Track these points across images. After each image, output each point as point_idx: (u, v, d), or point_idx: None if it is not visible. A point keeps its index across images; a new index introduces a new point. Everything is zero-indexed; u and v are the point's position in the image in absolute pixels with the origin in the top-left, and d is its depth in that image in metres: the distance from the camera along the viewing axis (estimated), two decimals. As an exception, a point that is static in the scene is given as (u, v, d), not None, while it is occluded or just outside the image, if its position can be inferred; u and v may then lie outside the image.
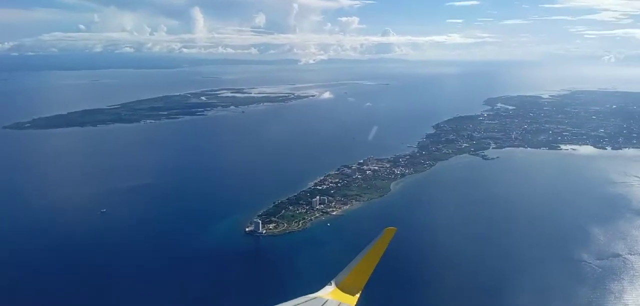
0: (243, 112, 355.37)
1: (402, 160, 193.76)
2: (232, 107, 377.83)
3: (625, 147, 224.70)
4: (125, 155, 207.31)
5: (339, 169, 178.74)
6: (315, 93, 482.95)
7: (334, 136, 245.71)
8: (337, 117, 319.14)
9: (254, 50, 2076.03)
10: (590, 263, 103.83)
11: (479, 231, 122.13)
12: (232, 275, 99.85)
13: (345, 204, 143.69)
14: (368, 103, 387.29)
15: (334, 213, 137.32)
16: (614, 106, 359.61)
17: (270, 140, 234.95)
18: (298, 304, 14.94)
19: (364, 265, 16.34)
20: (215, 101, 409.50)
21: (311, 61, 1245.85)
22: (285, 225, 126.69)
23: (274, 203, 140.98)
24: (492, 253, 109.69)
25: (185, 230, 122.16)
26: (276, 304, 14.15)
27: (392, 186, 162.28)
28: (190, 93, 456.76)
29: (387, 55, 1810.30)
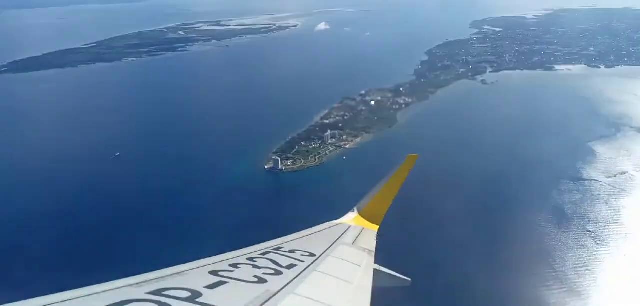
0: (227, 46, 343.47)
1: (403, 89, 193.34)
2: (213, 41, 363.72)
3: (618, 65, 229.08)
4: (121, 96, 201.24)
5: (341, 101, 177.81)
6: (298, 23, 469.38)
7: (331, 67, 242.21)
8: (334, 49, 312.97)
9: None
10: (600, 181, 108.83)
11: (492, 154, 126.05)
12: (259, 211, 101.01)
13: (356, 137, 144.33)
14: (367, 33, 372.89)
15: (347, 146, 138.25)
16: (599, 24, 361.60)
17: (266, 75, 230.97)
18: (322, 229, 15.22)
19: (385, 192, 16.50)
20: (194, 35, 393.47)
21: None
22: (302, 161, 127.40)
23: (285, 139, 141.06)
24: (510, 174, 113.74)
25: (205, 169, 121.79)
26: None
27: (398, 116, 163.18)
28: (166, 28, 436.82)
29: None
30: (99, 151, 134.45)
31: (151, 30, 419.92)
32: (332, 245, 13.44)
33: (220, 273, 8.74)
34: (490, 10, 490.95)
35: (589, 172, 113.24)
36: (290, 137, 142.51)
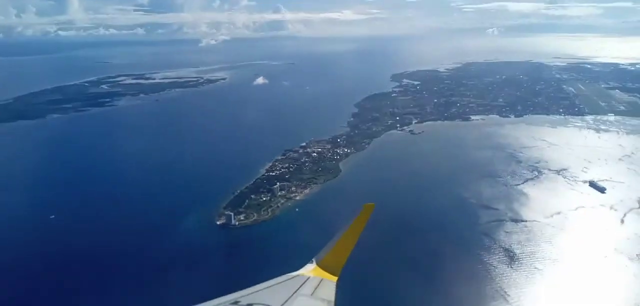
0: (157, 100, 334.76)
1: (340, 141, 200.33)
2: (141, 95, 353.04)
3: (525, 114, 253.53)
4: (51, 155, 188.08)
5: (284, 154, 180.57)
6: (226, 76, 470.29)
7: (269, 120, 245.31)
8: (272, 102, 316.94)
9: (140, 31, 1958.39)
10: (539, 221, 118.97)
11: (434, 199, 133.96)
12: (214, 270, 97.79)
13: (305, 188, 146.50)
14: (307, 87, 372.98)
15: (297, 198, 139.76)
16: (504, 76, 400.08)
17: (205, 128, 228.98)
18: (281, 281, 15.31)
19: (344, 242, 16.58)
20: (119, 89, 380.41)
21: (212, 41, 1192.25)
22: (255, 215, 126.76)
23: (234, 193, 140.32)
24: (455, 218, 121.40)
25: (153, 230, 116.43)
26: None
27: (341, 166, 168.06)
28: (87, 82, 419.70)
29: (281, 32, 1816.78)
30: (31, 215, 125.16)
31: (71, 85, 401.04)
32: (290, 297, 13.65)
33: None
34: (406, 64, 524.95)
35: (527, 213, 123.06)
36: (238, 191, 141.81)
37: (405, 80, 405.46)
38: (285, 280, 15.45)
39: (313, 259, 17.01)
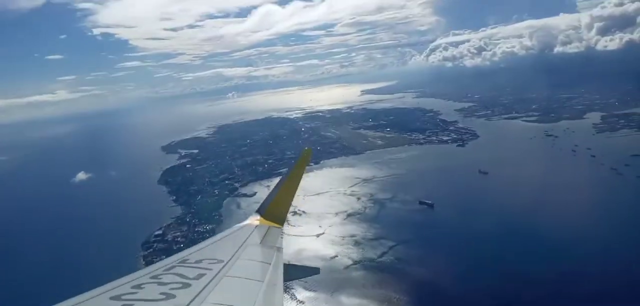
0: None
1: (193, 221, 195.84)
2: None
3: (321, 161, 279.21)
4: None
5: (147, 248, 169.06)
6: None
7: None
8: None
9: None
10: (411, 241, 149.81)
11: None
12: None
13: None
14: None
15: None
16: (267, 132, 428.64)
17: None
18: (228, 234, 15.24)
19: (285, 189, 16.98)
20: None
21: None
22: None
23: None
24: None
25: None
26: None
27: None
28: None
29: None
30: None
31: None
32: (239, 247, 13.54)
33: (123, 297, 8.62)
34: (163, 135, 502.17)
35: (400, 237, 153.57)
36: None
37: (182, 151, 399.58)
38: (232, 232, 15.41)
39: (256, 211, 17.29)
